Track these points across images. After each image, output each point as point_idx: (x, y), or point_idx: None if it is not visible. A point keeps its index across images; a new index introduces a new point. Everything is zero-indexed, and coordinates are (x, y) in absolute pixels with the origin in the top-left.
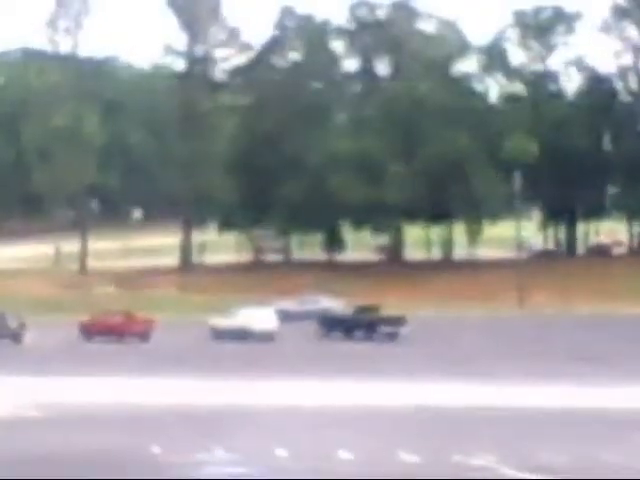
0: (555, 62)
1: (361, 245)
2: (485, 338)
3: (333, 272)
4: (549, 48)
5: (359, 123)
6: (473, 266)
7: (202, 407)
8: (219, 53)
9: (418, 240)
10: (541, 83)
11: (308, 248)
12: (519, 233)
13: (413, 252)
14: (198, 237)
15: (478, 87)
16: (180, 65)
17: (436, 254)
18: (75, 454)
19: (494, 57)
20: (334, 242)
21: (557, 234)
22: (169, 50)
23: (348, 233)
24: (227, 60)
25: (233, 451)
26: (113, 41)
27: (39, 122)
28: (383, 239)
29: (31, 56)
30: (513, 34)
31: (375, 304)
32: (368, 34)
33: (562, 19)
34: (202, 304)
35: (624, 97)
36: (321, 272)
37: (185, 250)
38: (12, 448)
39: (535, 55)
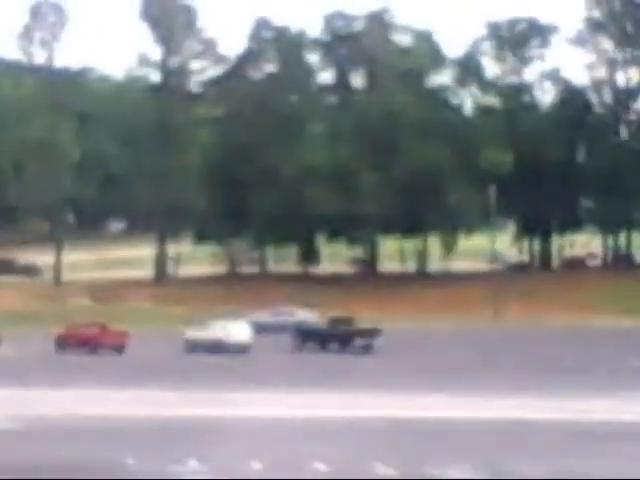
0: (530, 74)
1: (336, 257)
2: (459, 351)
3: (308, 284)
4: (524, 60)
5: (334, 135)
6: (448, 278)
7: (176, 419)
8: (194, 65)
9: (393, 252)
10: (516, 95)
11: (283, 260)
12: (494, 246)
13: (388, 264)
14: (173, 249)
15: (453, 99)
16: (155, 77)
17: (411, 266)
18: (48, 466)
19: (469, 69)
20: (309, 254)
21: (532, 246)
22: (144, 61)
23: (323, 245)
24: (202, 72)
25: (207, 463)
26: (88, 53)
27: (14, 133)
28: (358, 251)
29: (6, 67)
30: (488, 46)
31: (350, 316)
32: (343, 46)
33: (537, 32)
34: (177, 316)
35: (598, 110)
36: (296, 284)
37: (160, 262)
38: None
39: (510, 67)
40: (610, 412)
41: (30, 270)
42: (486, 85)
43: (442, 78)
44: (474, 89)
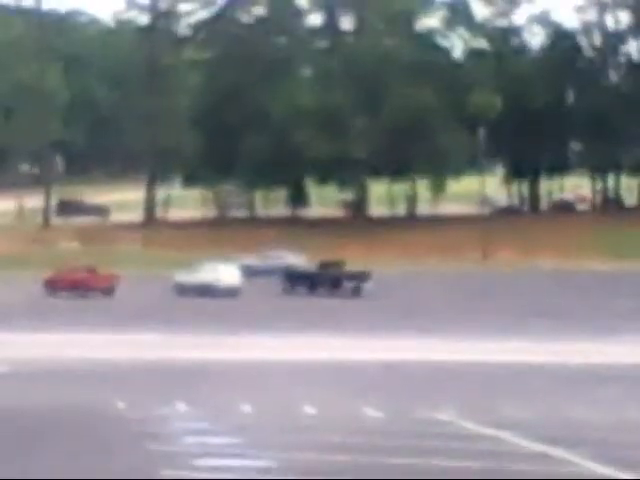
0: (519, 17)
1: (325, 200)
2: (449, 294)
3: (297, 228)
4: (513, 3)
5: (323, 78)
6: (437, 222)
7: (166, 362)
8: (183, 7)
9: (382, 196)
10: (505, 38)
11: (272, 203)
12: (483, 189)
13: (377, 208)
14: (162, 192)
15: (442, 42)
16: (144, 19)
17: (400, 210)
18: (39, 408)
19: (458, 12)
20: (298, 198)
21: (520, 190)
22: (133, 4)
23: (312, 189)
24: (191, 14)
25: (198, 406)
26: None
27: (2, 77)
28: (347, 195)
29: None
30: None
31: (339, 260)
32: None
33: None
34: (166, 259)
35: (588, 53)
36: (285, 228)
37: (149, 205)
38: None
39: (499, 10)
40: (594, 355)
41: (99, 210)
42: (475, 28)
43: (431, 21)
44: (463, 32)
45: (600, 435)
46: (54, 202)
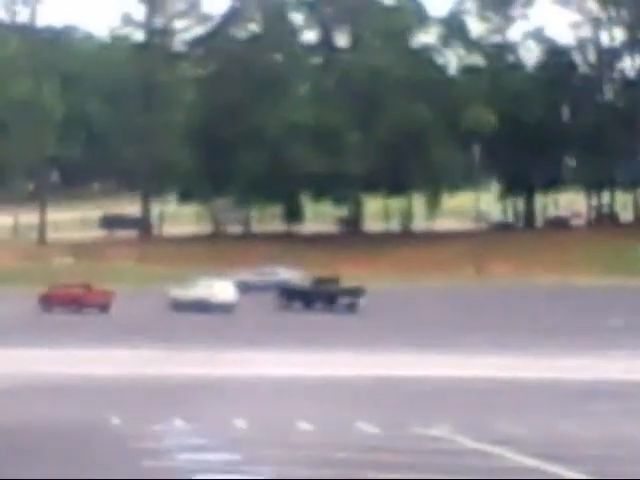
0: (514, 34)
1: (320, 216)
2: (444, 309)
3: (292, 243)
4: (508, 20)
5: (318, 94)
6: (432, 237)
7: (162, 378)
8: (178, 24)
9: (377, 212)
10: (500, 55)
11: (267, 219)
12: (478, 205)
13: (372, 223)
14: (158, 208)
15: (437, 59)
16: (139, 36)
17: (395, 225)
18: (33, 425)
19: (453, 29)
20: (293, 213)
21: (515, 206)
22: (128, 20)
23: (307, 204)
24: (186, 31)
25: (193, 422)
26: (72, 11)
27: None
28: (342, 211)
29: None
30: (472, 6)
31: (334, 276)
32: (327, 5)
33: None
34: (161, 275)
35: (583, 69)
36: (280, 243)
37: (144, 221)
38: None
39: (494, 27)
40: (589, 371)
41: (140, 224)
42: (470, 44)
43: (426, 37)
44: (458, 48)
45: (591, 450)
46: (97, 215)
